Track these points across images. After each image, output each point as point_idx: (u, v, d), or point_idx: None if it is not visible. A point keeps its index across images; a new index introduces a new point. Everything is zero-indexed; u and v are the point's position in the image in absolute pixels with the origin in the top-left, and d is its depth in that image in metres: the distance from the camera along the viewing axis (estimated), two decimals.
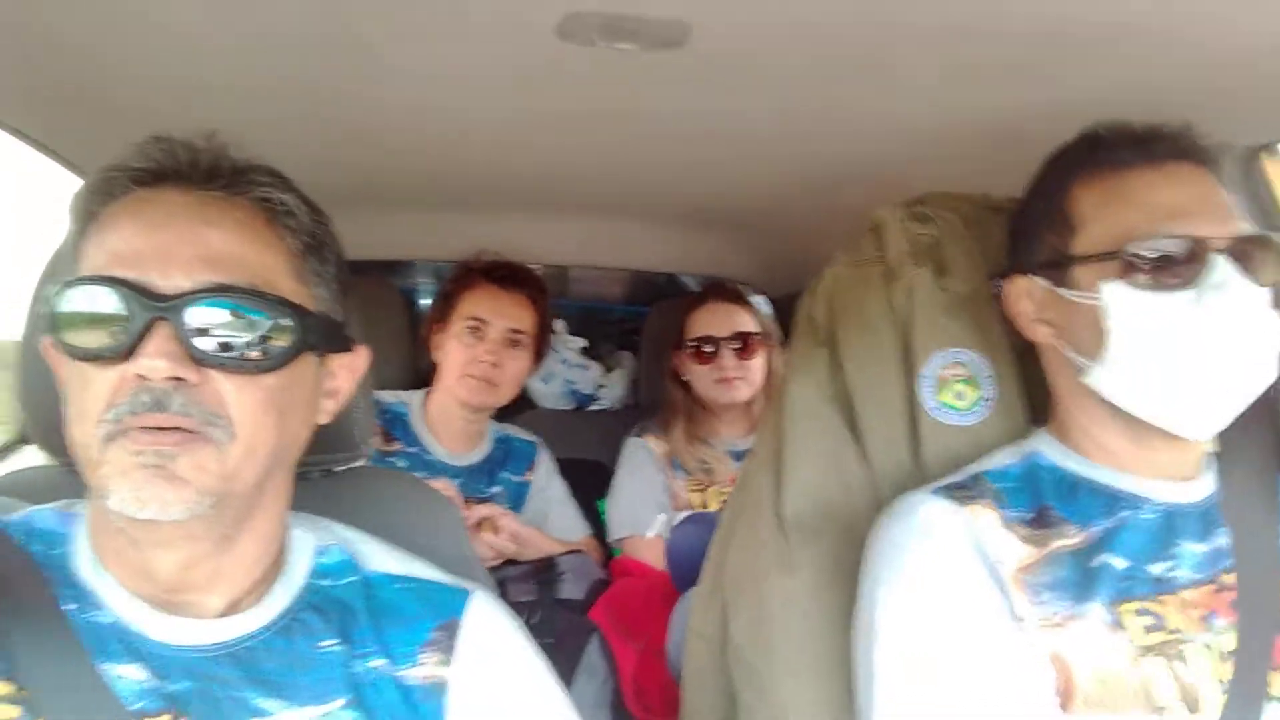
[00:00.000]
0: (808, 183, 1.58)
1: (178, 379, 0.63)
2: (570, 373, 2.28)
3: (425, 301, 2.68)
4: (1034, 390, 0.97)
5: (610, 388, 2.33)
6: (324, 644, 0.73)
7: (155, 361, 0.62)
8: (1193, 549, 0.83)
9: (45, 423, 0.85)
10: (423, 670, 0.74)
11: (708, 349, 1.90)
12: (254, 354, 0.66)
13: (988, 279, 1.01)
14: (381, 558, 0.80)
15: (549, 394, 2.27)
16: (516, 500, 1.83)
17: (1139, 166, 0.83)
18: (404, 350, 2.07)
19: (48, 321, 0.66)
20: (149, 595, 0.69)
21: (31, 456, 1.46)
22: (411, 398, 1.84)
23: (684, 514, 1.80)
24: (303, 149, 1.49)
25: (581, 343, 2.33)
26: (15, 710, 0.64)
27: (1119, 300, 0.80)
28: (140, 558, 0.68)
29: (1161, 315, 0.78)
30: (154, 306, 0.63)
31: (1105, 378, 0.82)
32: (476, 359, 1.73)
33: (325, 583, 0.76)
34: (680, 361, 1.96)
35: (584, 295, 2.63)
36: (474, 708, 0.74)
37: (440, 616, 0.77)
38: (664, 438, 1.94)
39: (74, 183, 1.34)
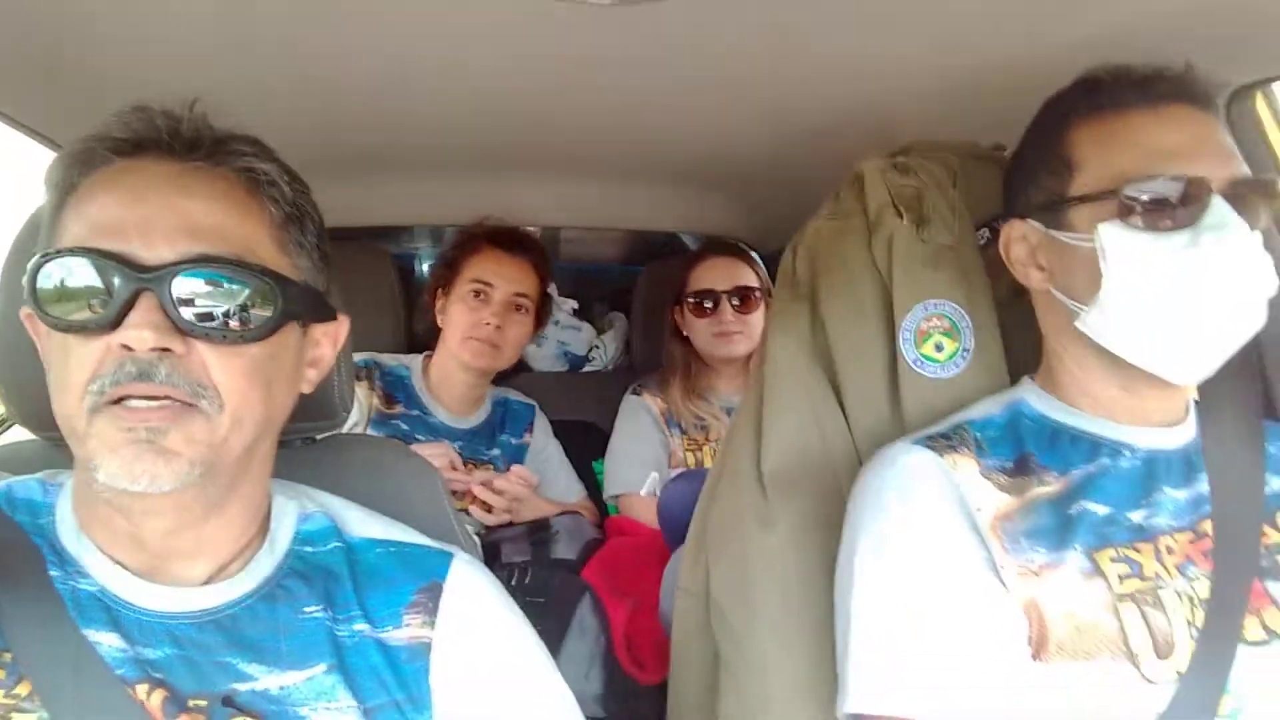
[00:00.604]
0: (799, 133, 1.55)
1: (163, 349, 0.63)
2: (563, 334, 2.28)
3: (423, 268, 2.68)
4: (1014, 343, 0.97)
5: (603, 349, 2.33)
6: (308, 609, 0.74)
7: (141, 332, 0.63)
8: (1173, 495, 0.83)
9: (26, 396, 0.86)
10: (407, 631, 0.75)
11: (708, 303, 1.91)
12: (237, 324, 0.66)
13: (973, 229, 1.00)
14: (363, 523, 0.81)
15: (542, 356, 2.28)
16: (515, 462, 1.84)
17: (1138, 108, 0.81)
18: (398, 316, 2.08)
19: (27, 293, 0.66)
20: (133, 563, 0.70)
21: (20, 433, 1.48)
22: (413, 361, 1.85)
23: (686, 472, 1.81)
24: (292, 116, 1.47)
25: (573, 304, 2.33)
26: (0, 674, 0.65)
27: (1114, 242, 0.78)
28: (128, 525, 0.69)
29: (1157, 257, 0.77)
30: (138, 277, 0.63)
31: (1098, 321, 0.81)
32: (480, 322, 1.74)
33: (308, 549, 0.77)
34: (680, 316, 1.96)
35: (575, 256, 2.62)
36: (458, 667, 0.76)
37: (423, 579, 0.78)
38: (661, 395, 1.95)
39: (43, 155, 1.33)
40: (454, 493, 1.65)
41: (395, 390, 1.80)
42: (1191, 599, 0.79)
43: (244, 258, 0.67)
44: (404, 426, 1.76)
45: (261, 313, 0.67)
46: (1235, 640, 0.77)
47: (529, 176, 1.98)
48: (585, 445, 1.99)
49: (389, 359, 1.85)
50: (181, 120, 0.70)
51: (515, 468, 1.74)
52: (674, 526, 1.42)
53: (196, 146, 0.70)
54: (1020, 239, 0.89)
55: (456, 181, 1.99)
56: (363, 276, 2.01)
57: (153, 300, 0.64)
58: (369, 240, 2.26)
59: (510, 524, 1.68)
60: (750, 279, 1.94)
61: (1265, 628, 0.78)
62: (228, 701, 0.69)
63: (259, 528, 0.76)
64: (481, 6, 1.03)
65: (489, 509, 1.67)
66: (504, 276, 1.77)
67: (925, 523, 0.82)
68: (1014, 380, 0.96)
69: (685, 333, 1.96)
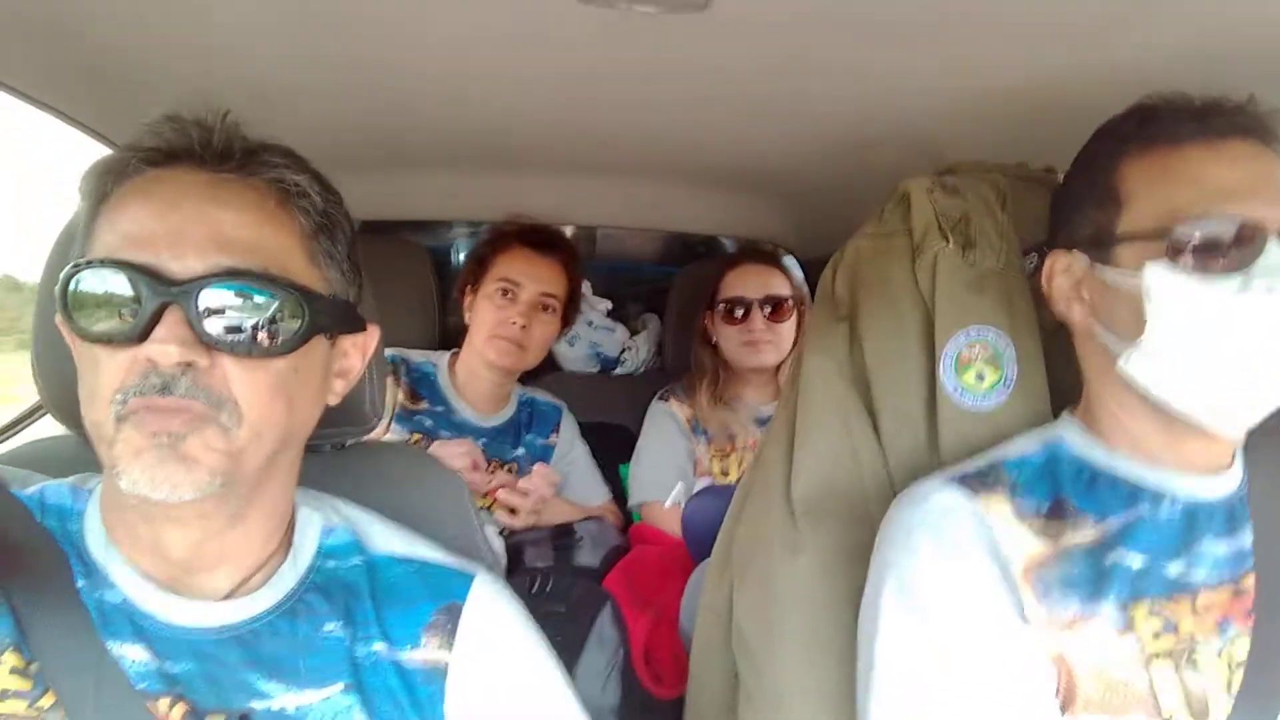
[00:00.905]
0: (838, 144, 1.52)
1: (187, 363, 0.63)
2: (595, 335, 2.26)
3: (459, 258, 2.68)
4: (1060, 375, 0.93)
5: (635, 350, 2.31)
6: (327, 627, 0.73)
7: (166, 347, 0.63)
8: (1214, 549, 0.79)
9: (61, 393, 0.86)
10: (423, 653, 0.75)
11: (738, 310, 1.88)
12: (264, 338, 0.66)
13: (1020, 254, 0.97)
14: (387, 538, 0.81)
15: (574, 357, 2.26)
16: (539, 462, 1.84)
17: (1194, 142, 0.77)
18: (430, 311, 2.07)
19: (59, 302, 0.66)
20: (158, 575, 0.70)
21: (50, 425, 1.49)
22: (439, 358, 1.84)
23: (702, 483, 1.79)
24: (331, 113, 1.48)
25: (607, 304, 2.31)
26: (26, 684, 0.65)
27: (1161, 283, 0.74)
28: (152, 534, 0.69)
29: (1205, 302, 0.73)
30: (165, 291, 0.63)
31: (1140, 364, 0.77)
32: (507, 321, 1.73)
33: (331, 564, 0.77)
34: (710, 322, 1.94)
35: (610, 255, 2.60)
36: (473, 692, 0.75)
37: (442, 599, 0.77)
38: (688, 401, 1.93)
39: (93, 149, 1.34)
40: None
41: (420, 386, 1.80)
42: (1229, 659, 0.75)
43: (272, 271, 0.67)
44: (428, 423, 1.76)
45: (288, 327, 0.67)
46: (1276, 704, 0.73)
47: (567, 174, 1.97)
48: (614, 448, 1.98)
49: (416, 355, 1.85)
50: (213, 130, 0.70)
51: (539, 466, 1.73)
52: (698, 540, 1.40)
53: (228, 157, 0.69)
54: (1064, 271, 0.85)
55: (494, 177, 1.99)
56: (398, 272, 2.01)
57: (179, 314, 0.63)
58: (406, 234, 2.26)
59: (534, 527, 1.67)
60: (783, 288, 1.91)
61: None
62: (245, 719, 0.68)
63: (282, 539, 0.76)
64: (515, 16, 1.02)
65: (513, 511, 1.66)
66: (532, 276, 1.76)
67: (955, 567, 0.79)
68: (1056, 411, 0.92)
69: (715, 339, 1.94)
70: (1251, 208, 0.73)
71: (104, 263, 0.65)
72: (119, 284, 0.64)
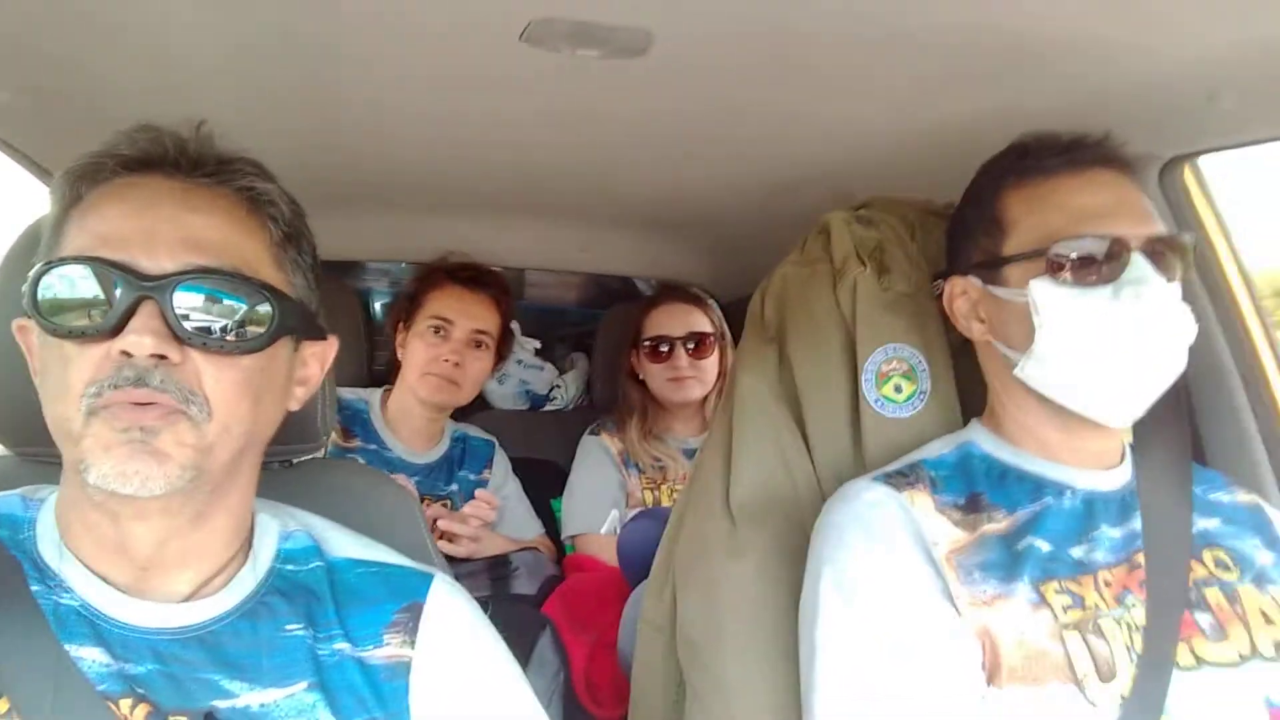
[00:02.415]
0: (761, 187, 1.62)
1: (160, 356, 0.65)
2: (525, 373, 2.30)
3: (378, 305, 2.68)
4: (967, 386, 1.03)
5: (564, 389, 2.36)
6: (289, 627, 0.74)
7: (141, 338, 0.64)
8: (1110, 533, 0.89)
9: (8, 411, 0.86)
10: (386, 651, 0.76)
11: (663, 348, 1.95)
12: (233, 336, 0.68)
13: (930, 280, 1.07)
14: (344, 543, 0.82)
15: (504, 394, 2.29)
16: (473, 498, 1.85)
17: (1063, 173, 0.90)
18: (359, 351, 2.08)
19: (27, 301, 0.67)
20: (117, 576, 0.70)
21: None
22: (371, 395, 1.85)
23: (644, 511, 1.83)
24: (264, 149, 1.49)
25: (536, 344, 2.36)
26: None
27: (1045, 296, 0.86)
28: (116, 533, 0.69)
29: (1083, 309, 0.84)
30: (140, 286, 0.65)
31: (1034, 370, 0.88)
32: (440, 358, 1.75)
33: (290, 567, 0.78)
34: (636, 360, 2.00)
35: (539, 298, 2.65)
36: (437, 687, 0.76)
37: (403, 599, 0.79)
38: (619, 435, 1.98)
39: (34, 186, 1.33)
40: None
41: (352, 424, 1.79)
42: (1130, 625, 0.85)
43: (243, 271, 0.69)
44: (361, 460, 1.75)
45: (257, 326, 0.69)
46: (1170, 665, 0.82)
47: (495, 217, 2.01)
48: (545, 483, 2.01)
49: (347, 393, 1.84)
50: (188, 140, 0.73)
51: (479, 492, 1.74)
52: (634, 564, 1.44)
53: (201, 165, 0.72)
54: (961, 294, 0.96)
55: (423, 219, 2.01)
56: (329, 310, 2.00)
57: (153, 308, 0.65)
58: (331, 275, 2.26)
59: (469, 559, 1.68)
60: (704, 325, 1.99)
61: (1195, 655, 0.84)
62: (209, 718, 0.69)
63: (242, 544, 0.77)
64: (458, 57, 1.07)
65: (450, 539, 1.66)
66: (464, 313, 1.79)
67: (885, 555, 0.86)
68: (965, 419, 1.02)
69: (641, 376, 2.00)
70: (1116, 226, 0.86)
71: (77, 260, 0.66)
72: (92, 280, 0.65)
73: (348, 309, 2.06)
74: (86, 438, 0.64)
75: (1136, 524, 0.90)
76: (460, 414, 1.94)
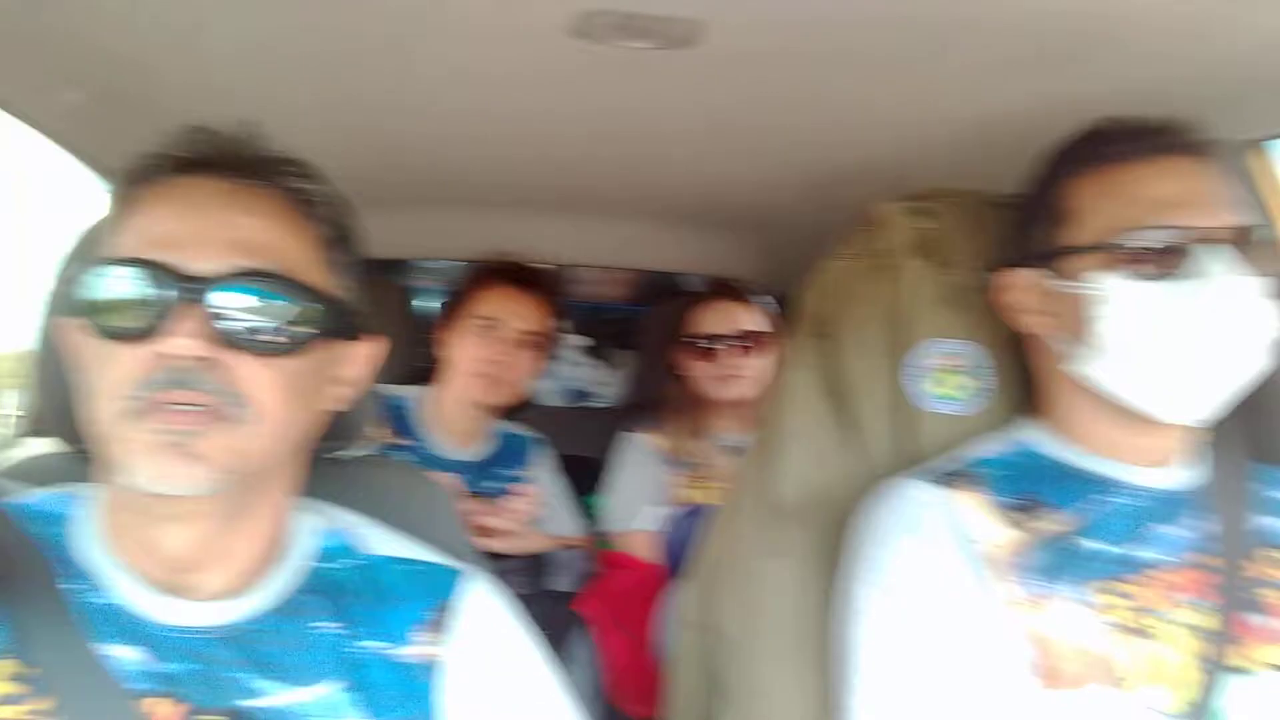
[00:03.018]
0: (814, 180, 1.60)
1: (202, 358, 0.65)
2: (570, 370, 2.30)
3: (419, 302, 2.69)
4: (1015, 381, 1.00)
5: (608, 385, 2.35)
6: (322, 626, 0.74)
7: (183, 340, 0.64)
8: (1166, 532, 0.86)
9: (57, 408, 0.87)
10: (418, 649, 0.76)
11: (708, 345, 1.93)
12: (279, 337, 0.68)
13: (987, 273, 1.03)
14: (379, 541, 0.82)
15: (548, 390, 2.29)
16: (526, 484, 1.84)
17: (1133, 161, 0.85)
18: (403, 349, 2.08)
19: (77, 302, 0.67)
20: (152, 575, 0.71)
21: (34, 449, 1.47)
22: (414, 392, 1.85)
23: (684, 509, 1.81)
24: (311, 151, 1.50)
25: (582, 340, 2.35)
26: (24, 689, 0.65)
27: (1109, 289, 0.82)
28: (150, 534, 0.69)
29: (1151, 304, 0.81)
30: (184, 288, 0.65)
31: (1096, 366, 0.84)
32: (488, 358, 1.74)
33: (325, 565, 0.78)
34: (680, 358, 1.98)
35: (584, 294, 2.65)
36: (469, 686, 0.76)
37: (436, 596, 0.79)
38: (661, 433, 1.96)
39: (93, 182, 1.36)
40: None
41: (396, 421, 1.80)
42: (1185, 628, 0.82)
43: (289, 273, 0.69)
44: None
45: (301, 328, 0.69)
46: (1224, 668, 0.79)
47: (541, 214, 2.01)
48: (584, 480, 1.99)
49: (390, 389, 1.85)
50: (237, 141, 0.73)
51: (521, 487, 1.73)
52: (682, 561, 1.42)
53: (251, 167, 0.72)
54: (1020, 286, 0.92)
55: (469, 216, 2.02)
56: (375, 309, 2.01)
57: (198, 310, 0.65)
58: (376, 272, 2.27)
59: (508, 556, 1.68)
60: (752, 323, 1.96)
61: (1249, 658, 0.81)
62: (240, 717, 0.69)
63: (278, 542, 0.77)
64: (505, 52, 1.07)
65: (489, 534, 1.66)
66: (514, 313, 1.78)
67: (928, 556, 0.84)
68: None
69: (685, 374, 1.98)
70: (1190, 217, 0.81)
71: (124, 261, 0.67)
72: (137, 281, 0.66)
73: (393, 307, 2.07)
74: (125, 440, 0.64)
75: (1197, 524, 0.87)
76: (505, 410, 1.93)
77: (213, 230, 0.68)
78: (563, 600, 1.59)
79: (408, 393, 1.85)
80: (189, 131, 0.73)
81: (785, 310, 1.97)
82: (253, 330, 0.67)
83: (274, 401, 0.68)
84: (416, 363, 2.11)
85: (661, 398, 2.02)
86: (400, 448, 1.76)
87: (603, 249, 2.18)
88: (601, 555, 1.84)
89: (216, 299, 0.66)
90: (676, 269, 2.46)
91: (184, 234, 0.68)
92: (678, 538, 1.46)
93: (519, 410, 1.94)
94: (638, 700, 1.42)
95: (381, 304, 2.05)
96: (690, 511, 1.68)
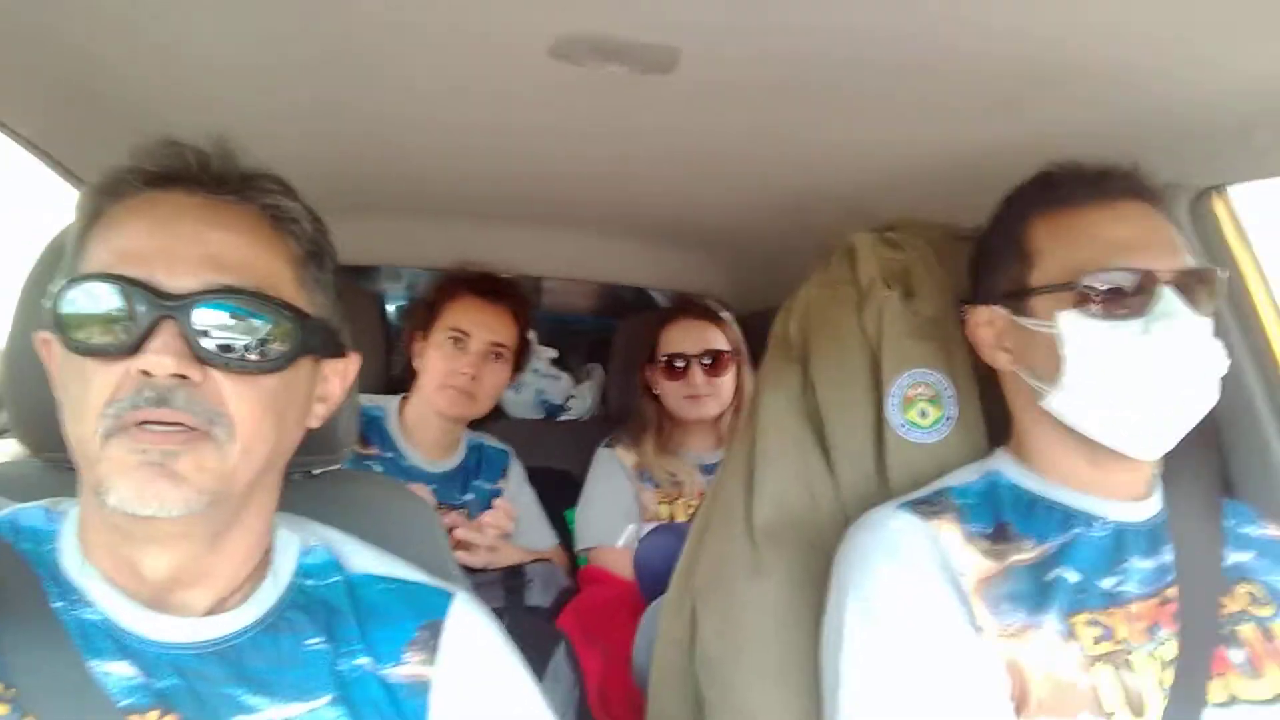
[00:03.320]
0: (780, 204, 1.62)
1: (181, 376, 0.64)
2: (541, 383, 2.30)
3: (392, 307, 2.68)
4: (992, 411, 1.02)
5: (580, 398, 2.36)
6: (309, 642, 0.74)
7: (161, 358, 0.64)
8: (1140, 565, 0.88)
9: (31, 417, 0.86)
10: (406, 669, 0.76)
11: (678, 364, 1.94)
12: (255, 355, 0.68)
13: (955, 304, 1.06)
14: (364, 558, 0.82)
15: (520, 403, 2.29)
16: (488, 507, 1.83)
17: (1091, 204, 0.89)
18: (377, 355, 2.08)
19: (49, 317, 0.67)
20: (137, 592, 0.70)
21: (9, 449, 1.45)
22: (388, 403, 1.84)
23: (652, 525, 1.83)
24: (288, 152, 1.49)
25: (553, 353, 2.36)
26: (4, 708, 0.64)
27: (1073, 328, 0.85)
28: (132, 552, 0.69)
29: (1113, 343, 0.84)
30: (161, 305, 0.65)
31: (1061, 401, 0.87)
32: (457, 371, 1.74)
33: (310, 582, 0.78)
34: (651, 375, 1.99)
35: (555, 306, 2.66)
36: (456, 706, 0.76)
37: (423, 616, 0.79)
38: (634, 449, 1.97)
39: (63, 187, 1.34)
40: None
41: (369, 432, 1.79)
42: (1160, 660, 0.84)
43: (265, 290, 0.69)
44: (378, 468, 1.75)
45: (279, 346, 0.69)
46: (1203, 701, 0.81)
47: (513, 224, 2.02)
48: (559, 493, 2.00)
49: (364, 400, 1.83)
50: (211, 156, 0.72)
51: (498, 501, 1.73)
52: (650, 579, 1.44)
53: (224, 181, 0.72)
54: (987, 323, 0.95)
55: (442, 224, 2.02)
56: (347, 314, 2.01)
57: (174, 328, 0.65)
58: (348, 279, 2.26)
59: (484, 570, 1.68)
60: (720, 342, 1.97)
61: (1229, 692, 0.83)
62: None
63: (262, 559, 0.77)
64: (485, 70, 1.07)
65: (466, 548, 1.66)
66: (482, 325, 1.78)
67: (912, 585, 0.85)
68: (992, 447, 1.01)
69: (655, 391, 1.99)
70: (1147, 259, 0.85)
71: (98, 276, 0.66)
72: (113, 298, 0.65)
73: (365, 314, 2.07)
74: (104, 460, 0.64)
75: (1167, 556, 0.89)
76: (476, 423, 1.93)
77: (187, 246, 0.68)
78: (539, 615, 1.58)
79: (381, 402, 1.85)
80: (161, 145, 0.72)
81: (748, 330, 1.99)
82: (230, 348, 0.66)
83: (253, 419, 0.68)
84: (390, 371, 2.11)
85: (633, 413, 2.03)
86: (373, 458, 1.76)
87: (575, 261, 2.19)
88: (578, 571, 1.85)
89: (193, 317, 0.65)
90: (648, 284, 2.47)
91: (158, 250, 0.67)
92: (653, 554, 1.47)
93: (488, 420, 1.95)
94: (619, 717, 1.42)
95: (353, 311, 2.05)
96: (664, 528, 1.69)
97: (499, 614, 1.47)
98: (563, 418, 2.35)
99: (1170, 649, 0.84)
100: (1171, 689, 0.82)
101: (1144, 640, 0.84)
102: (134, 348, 0.64)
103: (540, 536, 1.90)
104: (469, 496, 1.83)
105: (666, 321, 2.01)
